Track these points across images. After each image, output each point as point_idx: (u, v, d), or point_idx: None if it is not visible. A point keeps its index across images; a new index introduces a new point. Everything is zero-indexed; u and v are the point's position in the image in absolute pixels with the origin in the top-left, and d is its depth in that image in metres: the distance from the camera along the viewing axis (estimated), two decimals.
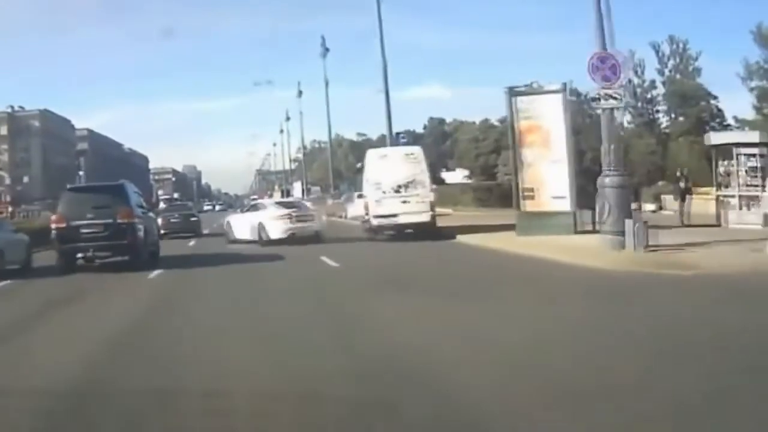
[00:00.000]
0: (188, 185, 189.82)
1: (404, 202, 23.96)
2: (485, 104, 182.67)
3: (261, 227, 24.94)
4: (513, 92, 21.23)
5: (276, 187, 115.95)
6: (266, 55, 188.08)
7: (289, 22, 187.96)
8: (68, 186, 22.08)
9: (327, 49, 55.48)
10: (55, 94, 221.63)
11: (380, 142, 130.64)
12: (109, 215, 17.18)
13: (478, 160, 62.10)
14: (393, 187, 24.04)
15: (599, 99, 15.61)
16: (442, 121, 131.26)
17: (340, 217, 45.88)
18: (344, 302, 10.56)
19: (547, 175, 20.63)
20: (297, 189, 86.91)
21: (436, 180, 78.66)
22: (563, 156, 20.62)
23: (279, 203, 28.92)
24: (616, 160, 15.74)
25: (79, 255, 17.70)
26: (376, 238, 24.14)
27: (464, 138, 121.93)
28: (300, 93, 72.61)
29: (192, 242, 29.25)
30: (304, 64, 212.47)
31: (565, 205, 20.52)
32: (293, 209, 26.17)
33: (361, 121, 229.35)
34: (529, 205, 20.86)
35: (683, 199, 24.59)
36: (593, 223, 21.69)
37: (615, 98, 15.68)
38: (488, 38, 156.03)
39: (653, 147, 63.94)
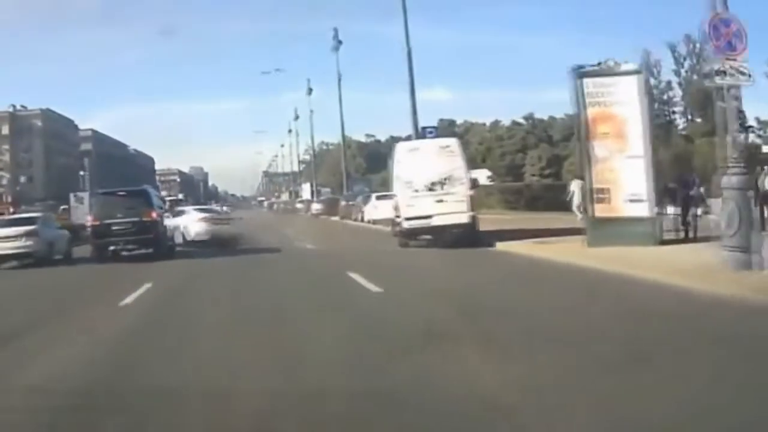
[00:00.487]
0: (195, 187, 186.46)
1: (439, 201, 20.23)
2: (491, 106, 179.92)
3: (182, 229, 26.27)
4: (580, 73, 17.31)
5: (283, 189, 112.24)
6: (274, 57, 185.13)
7: (293, 24, 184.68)
8: (99, 190, 25.40)
9: (340, 42, 51.92)
10: (60, 95, 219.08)
11: (389, 144, 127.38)
12: (136, 215, 20.33)
13: (503, 159, 57.59)
14: (426, 184, 20.30)
15: (723, 73, 11.72)
16: (452, 123, 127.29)
17: (355, 220, 42.12)
18: (424, 365, 6.37)
19: (622, 173, 16.76)
20: (306, 190, 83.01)
21: None
22: (641, 150, 16.77)
23: (199, 209, 31.43)
24: (741, 154, 11.89)
25: (111, 248, 20.60)
26: (409, 245, 20.49)
27: (475, 140, 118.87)
28: (310, 90, 68.93)
29: None
30: (312, 66, 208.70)
31: (644, 209, 16.64)
32: (211, 214, 29.39)
33: (368, 123, 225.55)
34: (599, 210, 16.98)
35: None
36: (676, 230, 18.11)
37: (743, 73, 11.82)
38: (491, 41, 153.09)
39: (681, 148, 60.02)
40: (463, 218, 20.26)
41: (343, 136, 56.40)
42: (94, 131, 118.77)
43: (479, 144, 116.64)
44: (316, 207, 56.02)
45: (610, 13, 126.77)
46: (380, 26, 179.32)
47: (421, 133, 30.65)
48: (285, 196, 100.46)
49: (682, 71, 79.21)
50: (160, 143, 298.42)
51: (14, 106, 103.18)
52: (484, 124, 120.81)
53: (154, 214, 20.56)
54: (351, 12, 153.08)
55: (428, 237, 20.88)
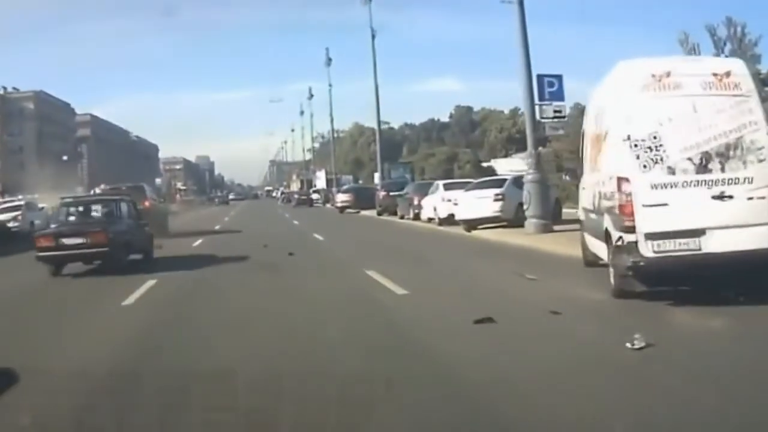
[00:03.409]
0: (200, 175, 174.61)
1: (720, 198, 8.19)
2: (501, 96, 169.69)
3: None
4: None
5: (294, 177, 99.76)
6: (284, 46, 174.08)
7: (302, 14, 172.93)
8: (108, 186, 29.69)
9: None
10: (63, 82, 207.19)
11: (402, 131, 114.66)
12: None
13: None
14: (691, 156, 8.24)
15: None
16: (469, 110, 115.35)
17: (403, 217, 29.95)
18: None
19: None
20: (321, 178, 70.80)
21: (485, 171, 62.52)
22: None
23: None
24: None
25: None
26: (634, 291, 8.43)
27: (494, 127, 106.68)
28: (329, 61, 56.92)
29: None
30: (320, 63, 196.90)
31: None
32: None
33: (382, 111, 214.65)
34: None
35: None
36: None
37: None
38: (501, 32, 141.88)
39: None
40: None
41: (377, 97, 42.71)
42: (93, 116, 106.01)
43: (499, 132, 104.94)
44: (342, 198, 43.40)
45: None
46: (389, 16, 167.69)
47: (538, 83, 18.80)
48: (295, 185, 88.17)
49: (723, 55, 68.01)
50: (166, 132, 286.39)
51: (5, 88, 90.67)
52: (503, 112, 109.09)
53: (147, 203, 23.61)
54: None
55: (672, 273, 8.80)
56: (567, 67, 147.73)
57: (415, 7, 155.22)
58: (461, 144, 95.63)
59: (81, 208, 16.30)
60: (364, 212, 39.19)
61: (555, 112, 18.90)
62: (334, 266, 14.22)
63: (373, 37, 39.74)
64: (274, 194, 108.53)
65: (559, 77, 19.03)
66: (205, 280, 12.87)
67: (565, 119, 20.56)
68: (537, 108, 18.85)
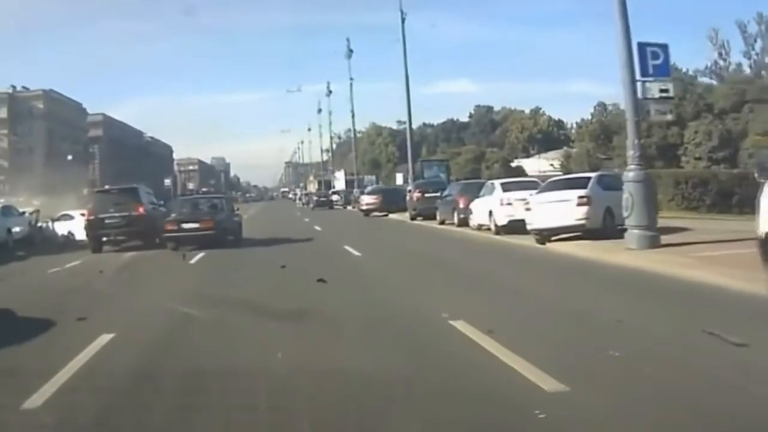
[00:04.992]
0: (216, 177, 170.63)
1: None
2: (518, 97, 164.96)
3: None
4: None
5: (311, 178, 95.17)
6: (299, 49, 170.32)
7: (318, 16, 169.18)
8: (96, 189, 28.87)
9: None
10: (82, 85, 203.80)
11: (421, 132, 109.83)
12: (127, 210, 21.63)
13: (652, 133, 38.01)
14: None
15: None
16: (489, 109, 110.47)
17: (444, 222, 25.41)
18: None
19: None
20: (340, 179, 66.23)
21: (514, 171, 58.13)
22: None
23: None
24: None
25: (104, 239, 22.03)
26: None
27: (515, 127, 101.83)
28: (350, 53, 52.48)
29: None
30: (334, 65, 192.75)
31: None
32: None
33: (400, 111, 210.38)
34: None
35: None
36: None
37: None
38: (513, 33, 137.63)
39: None
40: None
41: (407, 87, 37.26)
42: (106, 116, 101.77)
43: (520, 132, 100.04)
44: (367, 201, 38.51)
45: None
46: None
47: (640, 55, 14.21)
48: (312, 186, 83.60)
49: (753, 53, 62.85)
50: (182, 134, 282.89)
51: (14, 87, 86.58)
52: (523, 111, 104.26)
53: (141, 210, 21.78)
54: (374, 4, 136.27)
55: None
56: (581, 68, 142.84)
57: (429, 9, 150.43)
58: (482, 144, 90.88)
59: (193, 203, 23.08)
60: (392, 216, 34.64)
61: (661, 91, 14.31)
62: (392, 308, 9.09)
63: (403, 20, 35.07)
64: (290, 196, 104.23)
65: (664, 47, 14.44)
66: (179, 343, 7.47)
67: (674, 99, 15.99)
68: (639, 86, 14.25)
